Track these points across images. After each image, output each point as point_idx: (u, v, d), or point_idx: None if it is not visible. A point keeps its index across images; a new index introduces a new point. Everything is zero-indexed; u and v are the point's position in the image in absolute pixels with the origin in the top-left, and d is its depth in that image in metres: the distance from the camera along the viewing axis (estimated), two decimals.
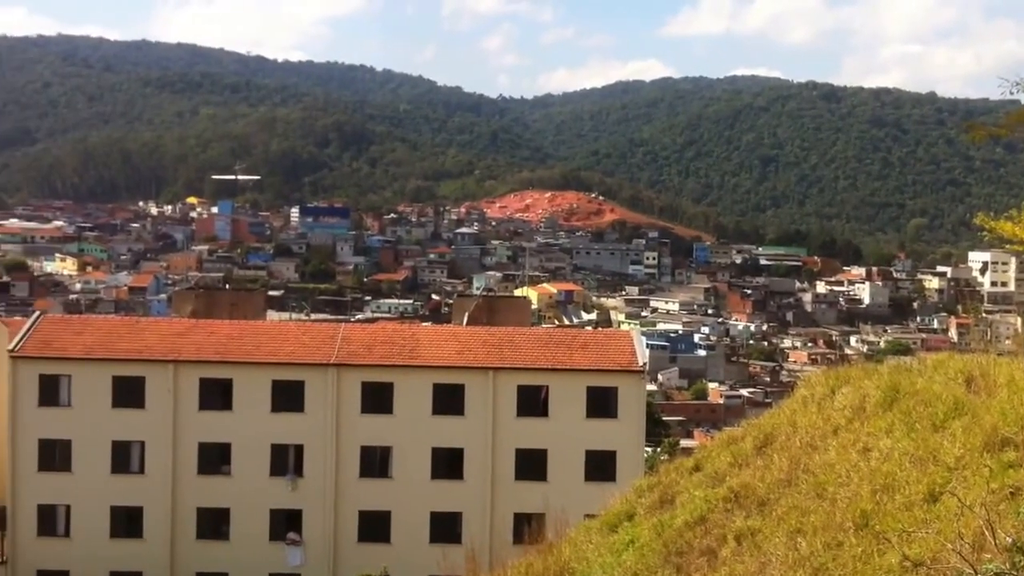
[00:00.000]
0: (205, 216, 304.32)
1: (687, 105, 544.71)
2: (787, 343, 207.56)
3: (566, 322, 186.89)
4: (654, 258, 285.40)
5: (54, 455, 50.74)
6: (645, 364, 51.77)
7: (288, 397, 50.63)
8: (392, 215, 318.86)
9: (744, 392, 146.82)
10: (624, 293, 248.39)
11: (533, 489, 47.93)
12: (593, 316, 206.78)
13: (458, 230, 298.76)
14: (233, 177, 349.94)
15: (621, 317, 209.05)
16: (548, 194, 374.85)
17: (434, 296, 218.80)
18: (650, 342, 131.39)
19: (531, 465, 49.91)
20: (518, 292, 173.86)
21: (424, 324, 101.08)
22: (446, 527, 49.47)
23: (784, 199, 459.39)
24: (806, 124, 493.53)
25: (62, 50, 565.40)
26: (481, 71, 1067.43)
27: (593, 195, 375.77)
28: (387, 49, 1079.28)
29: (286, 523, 50.13)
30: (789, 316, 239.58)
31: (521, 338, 53.32)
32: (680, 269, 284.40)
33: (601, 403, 50.45)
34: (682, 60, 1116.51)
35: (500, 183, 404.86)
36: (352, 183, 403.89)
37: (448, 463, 50.33)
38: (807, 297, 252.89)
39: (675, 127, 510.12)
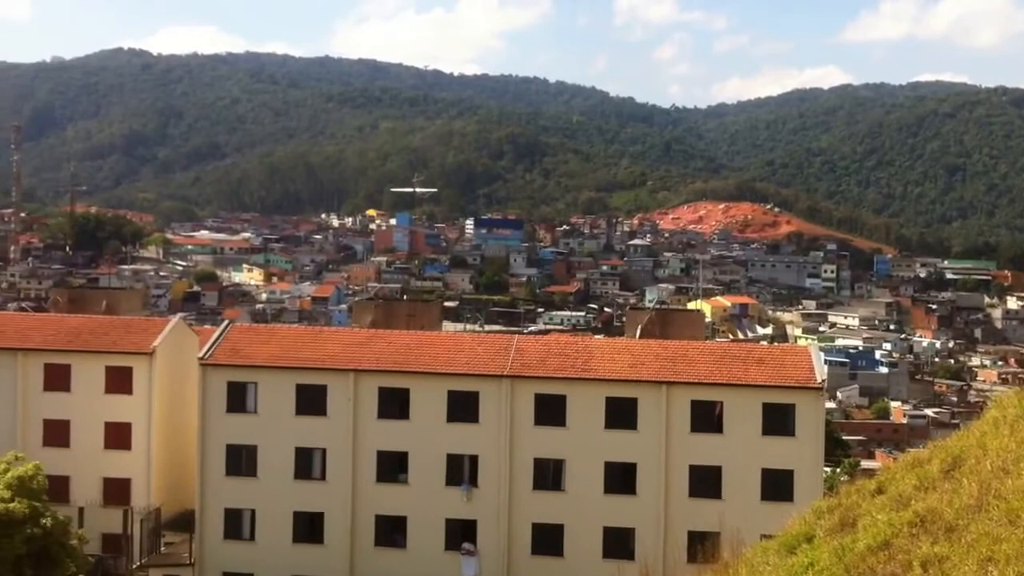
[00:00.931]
0: (384, 228, 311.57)
1: (867, 113, 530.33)
2: (975, 361, 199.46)
3: (741, 336, 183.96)
4: (832, 271, 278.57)
5: (241, 460, 52.49)
6: (824, 381, 50.38)
7: (463, 407, 51.19)
8: (565, 227, 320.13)
9: (929, 412, 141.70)
10: (801, 307, 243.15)
11: (707, 507, 47.31)
12: (768, 330, 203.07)
13: (630, 242, 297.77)
14: (411, 190, 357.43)
15: (798, 332, 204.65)
16: (722, 205, 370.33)
17: (606, 309, 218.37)
18: (829, 358, 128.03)
19: (705, 482, 49.19)
20: (691, 305, 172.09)
21: (596, 337, 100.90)
22: (619, 542, 49.22)
23: (972, 210, 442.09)
24: (995, 131, 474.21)
25: (250, 67, 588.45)
26: (653, 81, 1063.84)
27: (768, 206, 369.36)
28: (560, 61, 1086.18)
29: (461, 533, 50.67)
30: (977, 333, 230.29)
31: (695, 352, 52.65)
32: (860, 283, 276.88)
33: (778, 420, 49.35)
34: (862, 66, 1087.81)
35: (673, 194, 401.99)
36: (525, 195, 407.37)
37: (621, 478, 50.03)
38: (997, 313, 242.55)
39: (855, 136, 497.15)
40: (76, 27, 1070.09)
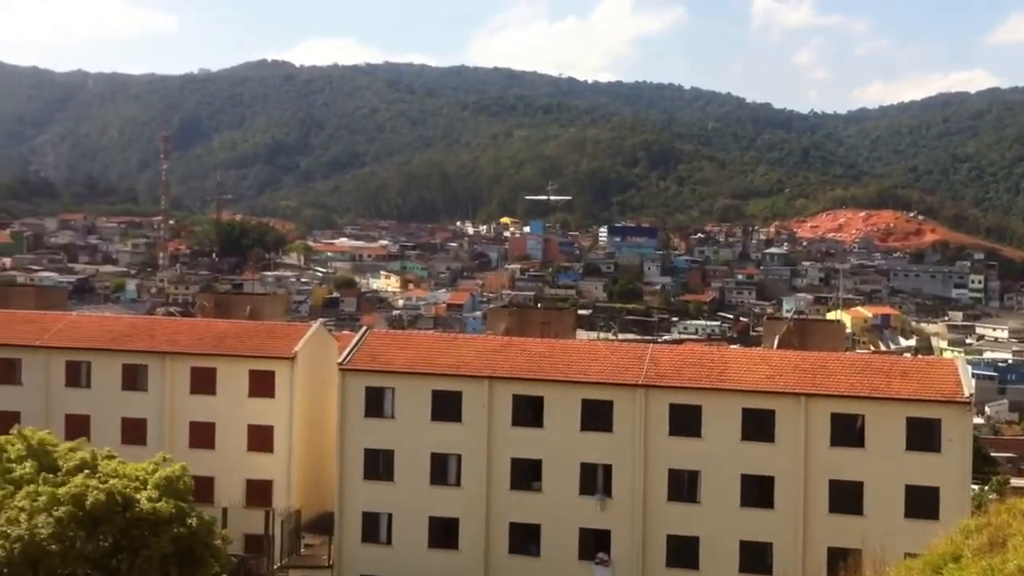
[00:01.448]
0: (518, 236, 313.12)
1: (1016, 117, 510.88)
2: None
3: (883, 348, 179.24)
4: (980, 281, 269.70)
5: (378, 465, 53.21)
6: (971, 395, 48.63)
7: (597, 416, 50.95)
8: (699, 235, 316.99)
9: None
10: (947, 318, 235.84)
11: (848, 523, 46.15)
12: (912, 342, 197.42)
13: (767, 250, 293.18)
14: (545, 197, 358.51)
15: (943, 344, 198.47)
16: (863, 213, 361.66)
17: (742, 318, 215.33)
18: (976, 371, 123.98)
19: (846, 497, 47.92)
20: (831, 315, 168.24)
21: (732, 347, 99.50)
22: (756, 557, 48.35)
23: None
24: None
25: (388, 77, 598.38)
26: (791, 86, 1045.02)
27: (912, 214, 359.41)
28: (695, 67, 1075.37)
29: (595, 543, 50.40)
30: None
31: (835, 364, 51.39)
32: (1010, 293, 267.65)
33: (923, 435, 47.80)
34: (1011, 69, 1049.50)
35: (811, 202, 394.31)
36: (660, 202, 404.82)
37: (758, 491, 49.11)
38: None
39: (1003, 141, 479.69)
40: (222, 40, 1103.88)
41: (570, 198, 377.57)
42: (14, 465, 41.59)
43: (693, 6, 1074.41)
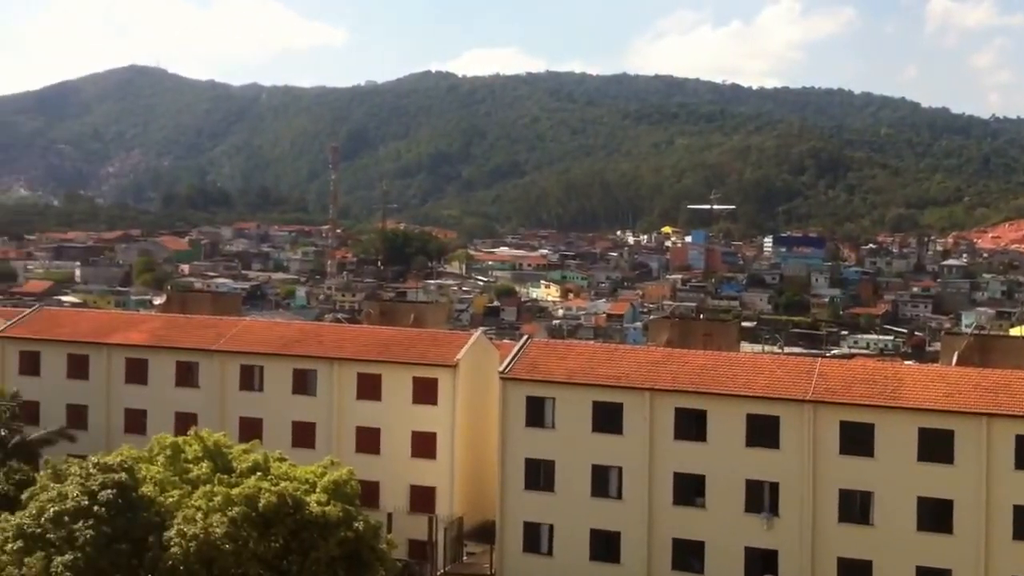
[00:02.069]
0: (679, 245, 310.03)
1: None
2: None
3: None
4: None
5: (539, 475, 53.16)
6: None
7: (763, 432, 49.80)
8: (871, 245, 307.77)
9: None
10: None
11: None
12: None
13: (944, 262, 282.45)
14: (707, 206, 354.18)
15: None
16: None
17: (917, 333, 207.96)
18: None
19: None
20: (1014, 331, 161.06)
21: (906, 363, 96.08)
22: None
23: None
24: None
25: (549, 86, 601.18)
26: (970, 90, 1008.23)
27: None
28: (866, 71, 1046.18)
29: (761, 563, 49.21)
30: None
31: (1020, 383, 48.97)
32: None
33: None
34: None
35: (993, 211, 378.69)
36: (828, 212, 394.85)
37: (936, 515, 47.06)
38: None
39: None
40: (389, 52, 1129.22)
41: (734, 207, 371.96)
42: (191, 465, 43.01)
43: (864, 7, 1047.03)
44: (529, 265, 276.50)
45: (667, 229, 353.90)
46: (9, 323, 68.86)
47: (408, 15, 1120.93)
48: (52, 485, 39.82)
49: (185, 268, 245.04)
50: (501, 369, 54.63)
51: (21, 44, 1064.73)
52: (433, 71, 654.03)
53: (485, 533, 56.23)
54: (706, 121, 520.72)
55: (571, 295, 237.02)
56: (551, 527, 52.75)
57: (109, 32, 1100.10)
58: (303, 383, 60.74)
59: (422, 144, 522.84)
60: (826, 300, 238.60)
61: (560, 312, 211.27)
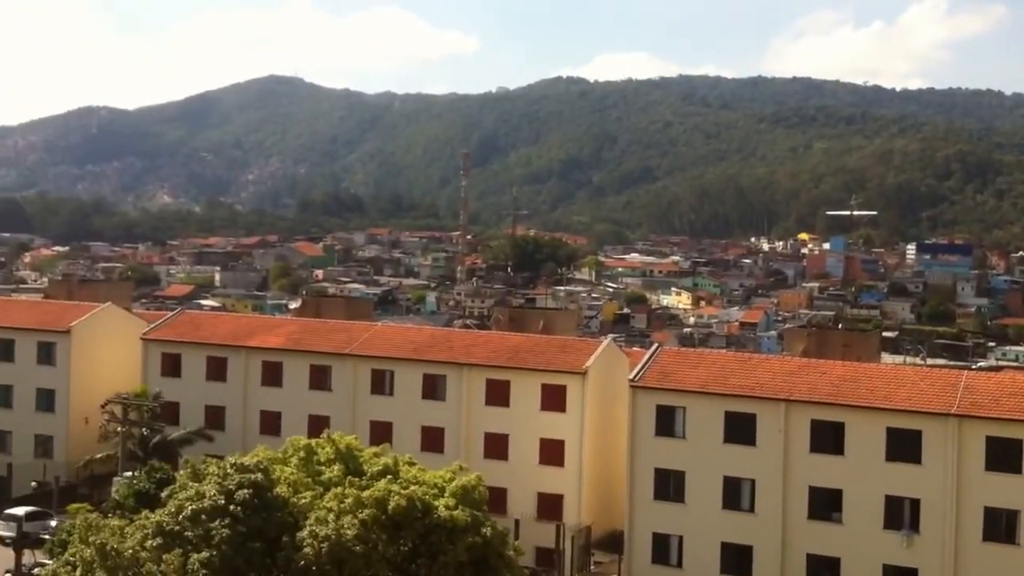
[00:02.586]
0: (816, 252, 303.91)
1: None
2: None
3: None
4: None
5: (668, 485, 52.47)
6: None
7: (904, 446, 48.28)
8: (1021, 253, 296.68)
9: None
10: None
11: None
12: None
13: None
14: (847, 213, 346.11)
15: None
16: None
17: None
18: None
19: None
20: None
21: None
22: None
23: None
24: None
25: (682, 90, 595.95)
26: None
27: None
28: (1017, 71, 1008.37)
29: None
30: None
31: None
32: None
33: None
34: None
35: None
36: (975, 218, 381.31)
37: None
38: None
39: None
40: (520, 58, 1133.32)
41: (875, 213, 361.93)
42: (323, 467, 43.57)
43: (1016, 5, 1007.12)
44: (660, 272, 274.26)
45: (804, 236, 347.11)
46: (152, 326, 71.12)
47: (539, 21, 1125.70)
48: (191, 484, 40.55)
49: (319, 273, 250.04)
50: (631, 377, 54.12)
51: (166, 56, 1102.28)
52: (564, 76, 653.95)
53: (613, 543, 55.70)
54: (846, 124, 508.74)
55: (703, 303, 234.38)
56: (680, 539, 51.99)
57: (250, 43, 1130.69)
58: (433, 388, 61.18)
59: (553, 150, 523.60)
60: (972, 310, 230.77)
61: (691, 320, 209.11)
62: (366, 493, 39.82)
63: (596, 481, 58.26)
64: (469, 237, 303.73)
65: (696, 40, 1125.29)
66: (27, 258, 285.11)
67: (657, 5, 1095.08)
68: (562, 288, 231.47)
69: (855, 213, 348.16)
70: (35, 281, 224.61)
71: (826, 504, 49.63)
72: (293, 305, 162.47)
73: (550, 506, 57.73)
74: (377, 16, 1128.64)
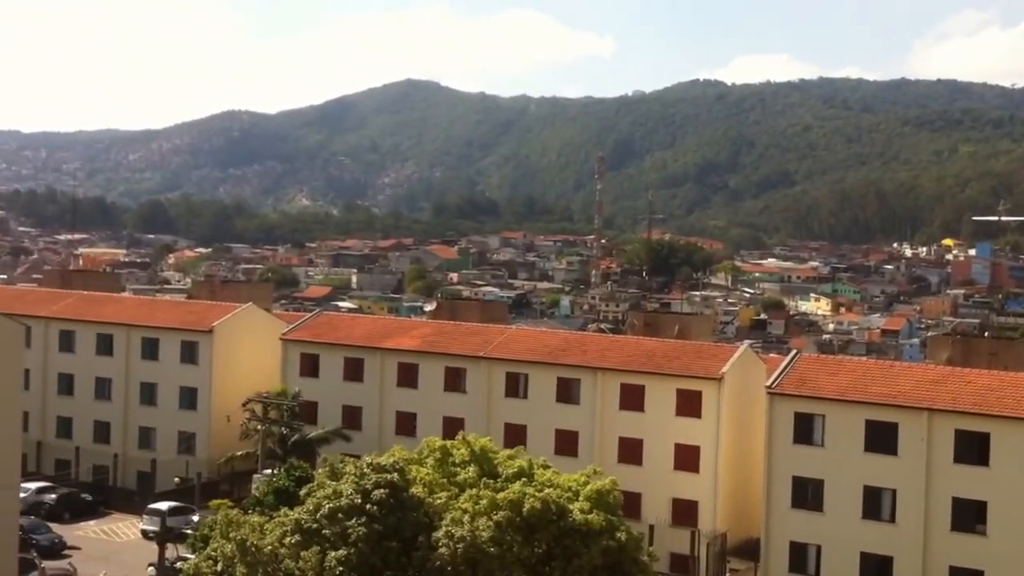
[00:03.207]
0: (961, 259, 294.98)
1: None
2: None
3: None
4: None
5: (807, 493, 51.66)
6: None
7: None
8: None
9: None
10: None
11: None
12: None
13: None
14: (994, 218, 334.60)
15: None
16: None
17: None
18: None
19: None
20: None
21: None
22: None
23: None
24: None
25: (822, 93, 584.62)
26: None
27: None
28: None
29: None
30: None
31: None
32: None
33: None
34: None
35: None
36: None
37: None
38: None
39: None
40: (656, 61, 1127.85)
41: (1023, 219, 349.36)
42: (459, 469, 43.95)
43: None
44: (798, 277, 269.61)
45: (948, 241, 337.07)
46: (291, 327, 72.78)
47: (676, 23, 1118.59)
48: (328, 483, 41.12)
49: (454, 276, 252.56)
50: (768, 384, 53.46)
51: (306, 61, 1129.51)
52: (701, 79, 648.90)
53: (749, 550, 55.05)
54: (993, 127, 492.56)
55: (843, 309, 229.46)
56: (818, 548, 51.13)
57: (387, 48, 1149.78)
58: (567, 392, 61.34)
59: (689, 153, 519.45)
60: None
61: (830, 326, 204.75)
62: (501, 495, 40.00)
63: (731, 488, 57.65)
64: (603, 241, 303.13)
65: (837, 42, 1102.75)
66: (171, 259, 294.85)
67: (799, 6, 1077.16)
68: (697, 293, 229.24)
69: (1002, 218, 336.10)
70: (179, 282, 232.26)
71: (970, 516, 48.26)
72: (428, 307, 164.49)
73: (685, 512, 57.34)
74: (513, 19, 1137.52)
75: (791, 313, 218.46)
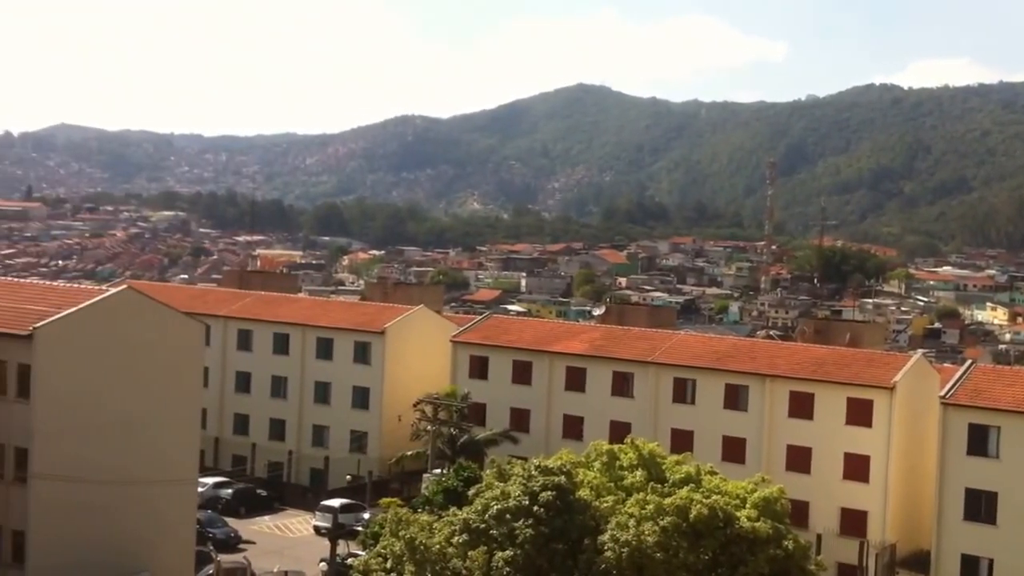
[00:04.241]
0: None
1: None
2: None
3: None
4: None
5: (980, 506, 50.57)
6: None
7: None
8: None
9: None
10: None
11: None
12: None
13: None
14: None
15: None
16: None
17: None
18: None
19: None
20: None
21: None
22: None
23: None
24: None
25: (1002, 97, 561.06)
26: None
27: None
28: None
29: None
30: None
31: None
32: None
33: None
34: None
35: None
36: None
37: None
38: None
39: None
40: (830, 65, 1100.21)
41: None
42: (625, 473, 44.37)
43: None
44: (974, 286, 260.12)
45: None
46: (462, 329, 74.27)
47: (851, 26, 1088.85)
48: (496, 484, 41.67)
49: (622, 281, 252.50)
50: (942, 394, 52.48)
51: (479, 66, 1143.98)
52: (876, 84, 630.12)
53: (918, 562, 54.11)
54: None
55: (1020, 319, 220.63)
56: (991, 562, 50.06)
57: (559, 52, 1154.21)
58: (735, 398, 61.27)
59: (862, 159, 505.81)
60: None
61: (1007, 336, 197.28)
62: (668, 500, 40.18)
63: (902, 498, 56.69)
64: (774, 247, 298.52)
65: (1019, 46, 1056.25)
66: (345, 261, 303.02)
67: (979, 9, 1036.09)
68: (869, 300, 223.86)
69: None
70: (352, 283, 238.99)
71: None
72: (596, 312, 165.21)
73: (853, 522, 56.65)
74: (685, 23, 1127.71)
75: (966, 322, 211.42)
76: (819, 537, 53.72)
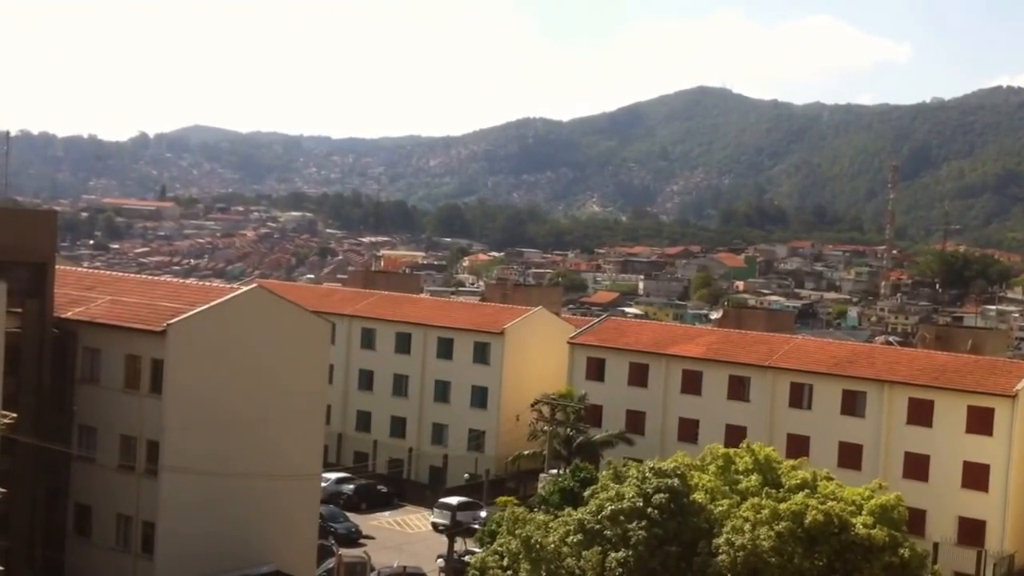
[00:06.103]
0: None
1: None
2: None
3: None
4: None
5: None
6: None
7: None
8: None
9: None
10: None
11: None
12: None
13: None
14: None
15: None
16: None
17: None
18: None
19: None
20: None
21: None
22: None
23: None
24: None
25: None
26: None
27: None
28: None
29: None
30: None
31: None
32: None
33: None
34: None
35: None
36: None
37: None
38: None
39: None
40: (956, 67, 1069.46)
41: None
42: (741, 477, 44.39)
43: None
44: None
45: None
46: (579, 331, 74.94)
47: (978, 27, 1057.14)
48: (611, 485, 41.94)
49: (740, 284, 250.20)
50: None
51: (599, 69, 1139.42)
52: (1004, 86, 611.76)
53: None
54: None
55: None
56: None
57: (680, 55, 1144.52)
58: (852, 404, 60.89)
59: (988, 163, 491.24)
60: None
61: None
62: (783, 505, 40.03)
63: (1021, 508, 55.66)
64: (895, 252, 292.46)
65: None
66: (466, 262, 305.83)
67: None
68: (992, 307, 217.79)
69: None
70: (472, 284, 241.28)
71: None
72: (714, 315, 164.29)
73: (971, 531, 55.87)
74: (807, 25, 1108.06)
75: None
76: (936, 546, 53.16)
